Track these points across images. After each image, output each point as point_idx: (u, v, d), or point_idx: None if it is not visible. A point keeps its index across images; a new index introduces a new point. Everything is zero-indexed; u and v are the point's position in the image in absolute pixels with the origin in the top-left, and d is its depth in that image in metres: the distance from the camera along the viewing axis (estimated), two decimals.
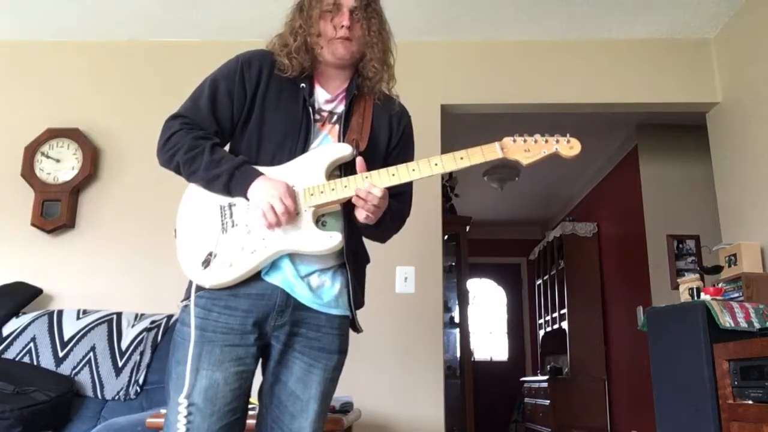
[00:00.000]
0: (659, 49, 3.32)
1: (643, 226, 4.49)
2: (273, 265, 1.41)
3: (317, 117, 1.52)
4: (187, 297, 1.41)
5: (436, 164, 1.40)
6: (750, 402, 2.08)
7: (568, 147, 1.42)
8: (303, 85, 1.51)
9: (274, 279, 1.41)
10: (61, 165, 3.16)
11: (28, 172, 3.14)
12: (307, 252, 1.40)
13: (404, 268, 3.04)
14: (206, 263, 1.37)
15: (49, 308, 2.90)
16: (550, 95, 3.31)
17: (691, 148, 4.28)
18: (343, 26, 1.48)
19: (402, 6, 3.09)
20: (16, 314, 2.76)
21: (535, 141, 1.42)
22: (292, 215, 1.37)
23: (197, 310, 1.38)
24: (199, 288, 1.40)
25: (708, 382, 2.26)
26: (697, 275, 2.91)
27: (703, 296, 2.50)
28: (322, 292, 1.45)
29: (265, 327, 1.40)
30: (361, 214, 1.40)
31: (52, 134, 3.20)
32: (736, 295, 2.67)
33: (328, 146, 1.48)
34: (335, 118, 1.54)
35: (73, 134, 3.20)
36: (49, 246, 3.11)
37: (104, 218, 3.15)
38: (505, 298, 8.07)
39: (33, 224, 3.09)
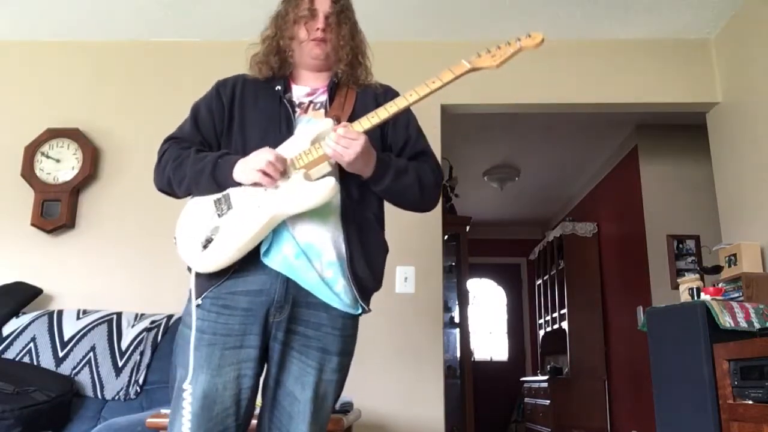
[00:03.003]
0: (659, 49, 3.32)
1: (643, 226, 4.49)
2: (273, 243, 1.39)
3: (297, 110, 1.55)
4: (195, 298, 1.40)
5: (411, 95, 1.45)
6: (750, 402, 2.08)
7: (530, 39, 1.50)
8: (278, 87, 1.56)
9: (273, 261, 1.39)
10: (61, 165, 3.16)
11: (28, 172, 3.14)
12: (304, 208, 1.37)
13: (404, 268, 3.04)
14: (206, 244, 1.37)
15: (49, 308, 2.90)
16: (550, 95, 3.31)
17: (691, 148, 4.28)
18: (318, 29, 1.55)
19: (401, 6, 3.09)
20: (16, 314, 2.76)
21: (499, 47, 1.49)
22: (284, 161, 1.39)
23: (198, 311, 1.38)
24: (200, 290, 1.39)
25: (708, 382, 2.26)
26: (697, 275, 2.91)
27: (703, 296, 2.50)
28: (325, 280, 1.41)
29: (265, 325, 1.38)
30: (328, 150, 1.39)
31: (52, 134, 3.20)
32: (736, 295, 2.67)
33: (310, 124, 1.51)
34: (318, 105, 1.58)
35: (73, 134, 3.20)
36: (49, 246, 3.11)
37: (104, 218, 3.15)
38: (505, 298, 8.07)
39: (33, 224, 3.09)
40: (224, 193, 1.43)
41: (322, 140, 1.41)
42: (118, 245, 3.10)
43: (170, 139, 1.57)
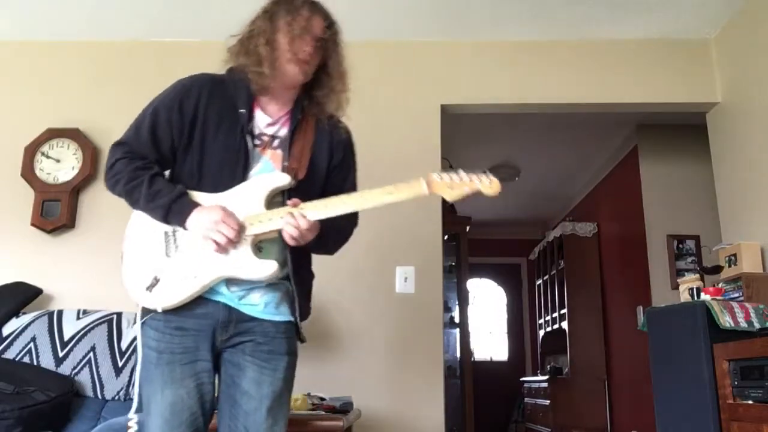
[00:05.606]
0: (659, 49, 3.32)
1: (643, 226, 4.49)
2: (211, 289, 1.48)
3: (257, 142, 1.54)
4: (141, 318, 1.50)
5: (366, 200, 1.48)
6: (750, 402, 2.08)
7: (489, 186, 1.48)
8: (242, 110, 1.53)
9: (216, 297, 1.49)
10: (61, 165, 3.16)
11: (28, 172, 3.14)
12: (245, 278, 1.47)
13: (404, 268, 3.04)
14: (151, 287, 1.46)
15: (49, 308, 2.90)
16: (550, 95, 3.31)
17: (691, 148, 4.28)
18: (305, 50, 1.50)
19: (401, 6, 3.09)
20: (16, 314, 2.76)
21: (460, 179, 1.47)
22: (240, 233, 1.43)
23: (153, 332, 1.49)
24: (146, 311, 1.49)
25: (708, 382, 2.26)
26: (697, 275, 2.91)
27: (703, 296, 2.50)
28: (262, 302, 1.52)
29: (214, 341, 1.49)
30: (286, 237, 1.46)
31: (52, 134, 3.20)
32: (736, 295, 2.67)
33: (267, 176, 1.52)
34: (277, 142, 1.56)
35: (73, 134, 3.20)
36: (49, 246, 3.11)
37: (104, 218, 3.14)
38: (505, 298, 8.07)
39: (33, 224, 3.09)
40: (174, 228, 1.48)
41: (276, 203, 1.48)
42: (118, 245, 3.08)
43: (122, 145, 1.53)
